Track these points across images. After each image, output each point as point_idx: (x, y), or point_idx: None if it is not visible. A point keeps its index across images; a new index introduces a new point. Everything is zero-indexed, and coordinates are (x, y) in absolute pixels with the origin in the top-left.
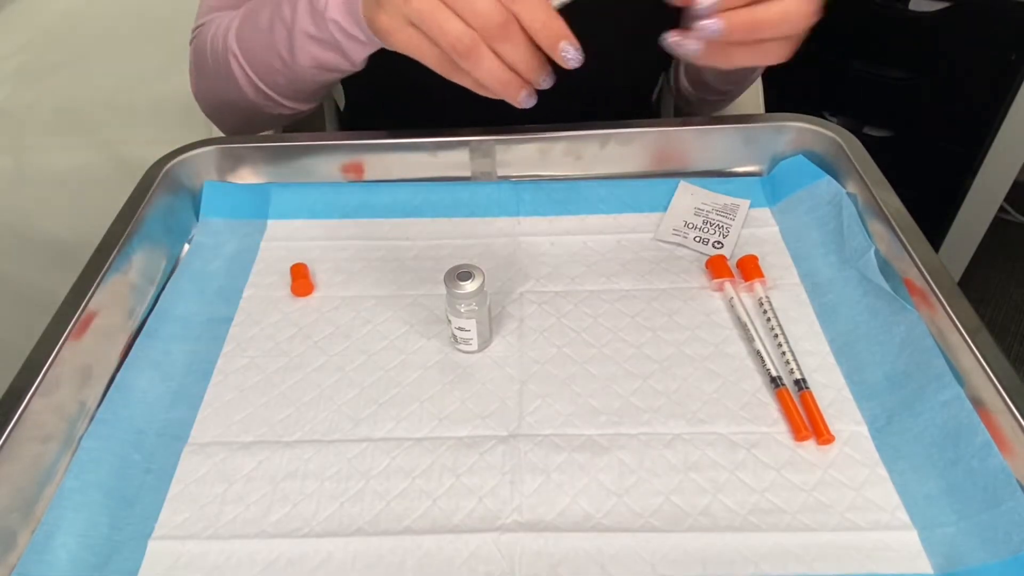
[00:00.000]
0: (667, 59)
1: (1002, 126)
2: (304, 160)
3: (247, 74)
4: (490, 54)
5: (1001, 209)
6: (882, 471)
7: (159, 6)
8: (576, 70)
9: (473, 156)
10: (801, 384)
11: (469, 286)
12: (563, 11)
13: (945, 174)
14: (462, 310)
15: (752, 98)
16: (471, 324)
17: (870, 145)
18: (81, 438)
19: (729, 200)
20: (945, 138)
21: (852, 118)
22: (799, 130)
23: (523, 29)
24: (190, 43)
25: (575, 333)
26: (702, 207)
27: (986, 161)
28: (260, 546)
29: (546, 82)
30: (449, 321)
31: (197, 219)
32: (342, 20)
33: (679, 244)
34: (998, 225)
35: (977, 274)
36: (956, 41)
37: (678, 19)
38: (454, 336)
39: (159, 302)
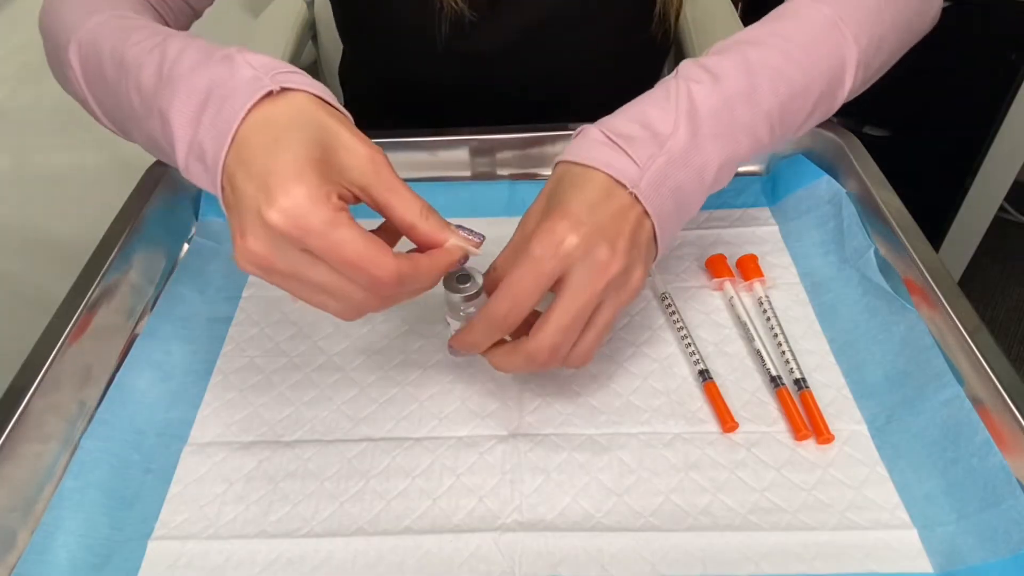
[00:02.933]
0: (664, 50)
1: (1002, 126)
2: None
3: (87, 103)
4: None
5: (1001, 209)
6: (882, 470)
7: None
8: (573, 63)
9: (473, 156)
10: (801, 383)
11: (468, 289)
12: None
13: (945, 174)
14: (460, 314)
15: None
16: None
17: (870, 145)
18: (81, 438)
19: None
20: (945, 138)
21: (852, 118)
22: None
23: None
24: None
25: None
26: None
27: (986, 161)
28: (260, 546)
29: None
30: (448, 324)
31: (197, 219)
32: (199, 180)
33: None
34: (998, 225)
35: (977, 274)
36: (956, 41)
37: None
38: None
39: (159, 302)
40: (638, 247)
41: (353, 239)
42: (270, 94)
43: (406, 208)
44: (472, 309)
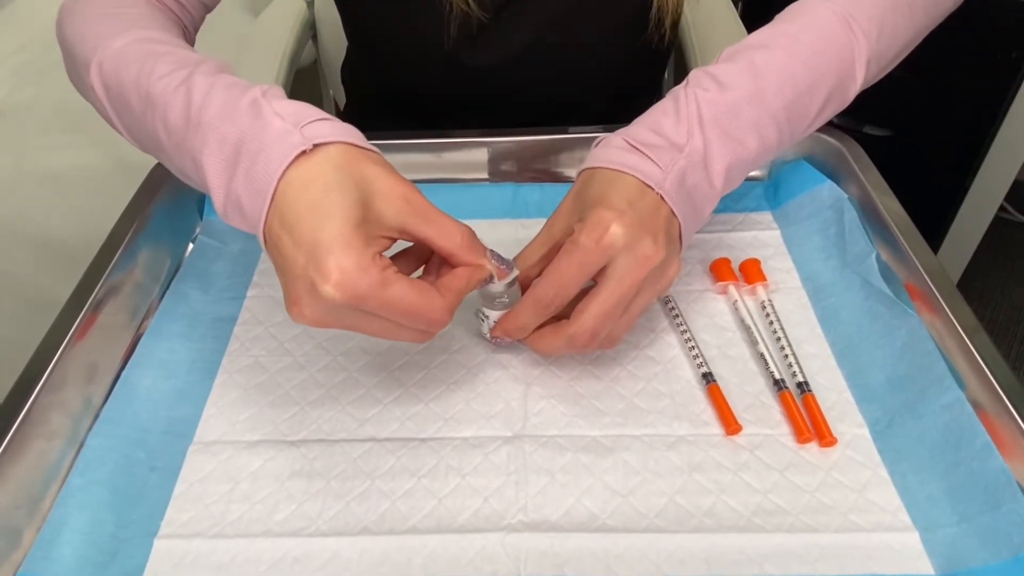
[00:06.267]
0: (665, 54)
1: (1002, 126)
2: None
3: (112, 122)
4: None
5: (1001, 209)
6: (884, 473)
7: None
8: (575, 61)
9: (475, 157)
10: (803, 387)
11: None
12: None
13: (945, 174)
14: (496, 302)
15: None
16: None
17: (870, 145)
18: (86, 436)
19: None
20: (945, 138)
21: (852, 118)
22: None
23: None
24: None
25: None
26: None
27: (986, 161)
28: (266, 545)
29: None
30: (484, 317)
31: (201, 218)
32: (239, 226)
33: None
34: (998, 225)
35: (977, 274)
36: (956, 41)
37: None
38: (488, 332)
39: (163, 301)
40: (673, 242)
41: (405, 293)
42: (303, 152)
43: (447, 239)
44: (507, 299)
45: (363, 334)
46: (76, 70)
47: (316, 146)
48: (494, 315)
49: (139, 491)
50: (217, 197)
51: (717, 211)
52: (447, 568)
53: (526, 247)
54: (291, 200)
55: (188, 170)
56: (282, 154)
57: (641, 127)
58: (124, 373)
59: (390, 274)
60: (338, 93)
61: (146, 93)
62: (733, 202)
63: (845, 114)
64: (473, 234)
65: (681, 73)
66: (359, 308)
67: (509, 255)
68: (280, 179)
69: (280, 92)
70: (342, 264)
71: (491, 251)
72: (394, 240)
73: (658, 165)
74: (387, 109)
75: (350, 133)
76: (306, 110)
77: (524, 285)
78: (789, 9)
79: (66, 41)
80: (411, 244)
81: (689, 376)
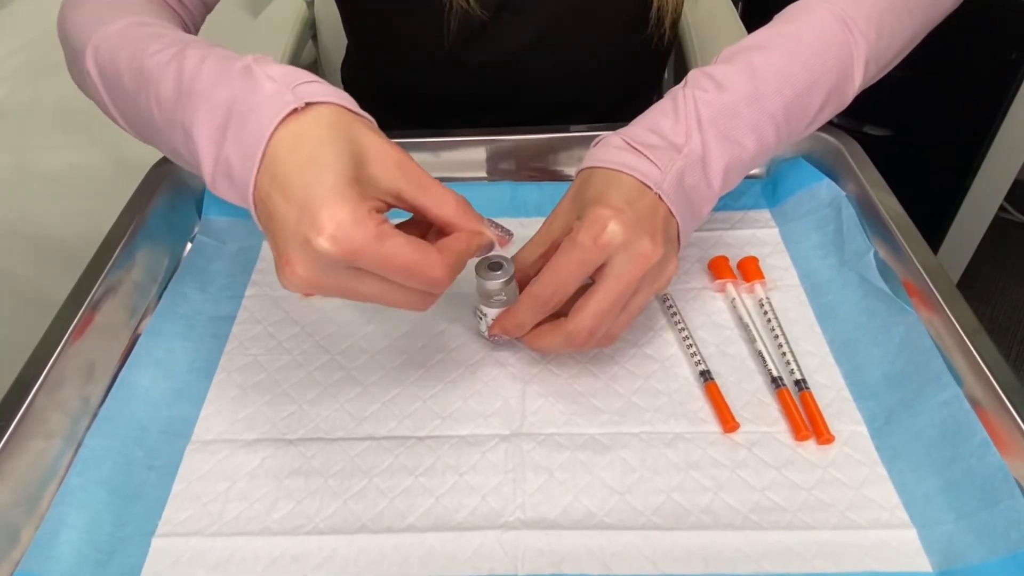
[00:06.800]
0: (665, 53)
1: (1002, 126)
2: None
3: (108, 109)
4: None
5: (1001, 208)
6: (881, 470)
7: None
8: (575, 60)
9: (473, 156)
10: (801, 384)
11: (502, 276)
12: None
13: (945, 174)
14: (493, 300)
15: None
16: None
17: (870, 144)
18: (84, 435)
19: None
20: (945, 138)
21: (852, 118)
22: None
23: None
24: None
25: None
26: None
27: (986, 161)
28: (263, 543)
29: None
30: (482, 315)
31: (199, 217)
32: (228, 196)
33: None
34: (998, 225)
35: (977, 274)
36: (956, 41)
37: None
38: (487, 330)
39: (162, 300)
40: (671, 241)
41: (401, 248)
42: (295, 111)
43: (441, 205)
44: (504, 296)
45: (358, 300)
46: (74, 59)
47: (308, 105)
48: (492, 313)
49: (137, 490)
50: (207, 165)
51: (715, 209)
52: (445, 566)
53: (524, 245)
54: (282, 157)
55: (179, 145)
56: (273, 112)
57: (640, 127)
58: (122, 372)
59: (387, 228)
60: None
61: (139, 70)
62: (731, 200)
63: (845, 114)
64: (467, 202)
65: (681, 73)
66: (354, 264)
67: (507, 254)
68: (271, 137)
69: (271, 59)
70: (337, 216)
71: (489, 220)
72: (388, 206)
73: (656, 165)
74: (387, 109)
75: (343, 97)
76: (298, 72)
77: (522, 283)
78: (788, 10)
79: (66, 33)
80: (401, 221)
81: (687, 374)
